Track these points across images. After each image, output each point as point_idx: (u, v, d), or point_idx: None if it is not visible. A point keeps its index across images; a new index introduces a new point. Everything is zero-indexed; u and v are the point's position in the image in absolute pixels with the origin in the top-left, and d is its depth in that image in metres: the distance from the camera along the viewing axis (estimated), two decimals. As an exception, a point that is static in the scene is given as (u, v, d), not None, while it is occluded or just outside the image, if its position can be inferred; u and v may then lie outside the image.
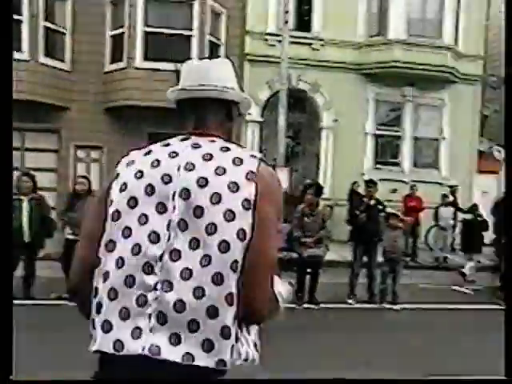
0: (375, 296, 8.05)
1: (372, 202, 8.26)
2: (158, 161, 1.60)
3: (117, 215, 1.56)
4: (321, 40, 14.90)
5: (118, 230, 1.54)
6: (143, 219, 1.53)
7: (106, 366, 1.50)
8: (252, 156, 1.64)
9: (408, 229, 10.54)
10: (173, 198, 1.53)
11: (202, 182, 1.53)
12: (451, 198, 12.82)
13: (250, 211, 1.52)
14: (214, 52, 14.00)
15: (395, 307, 7.77)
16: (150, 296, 1.47)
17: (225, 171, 1.56)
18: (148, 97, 12.62)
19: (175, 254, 1.49)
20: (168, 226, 1.51)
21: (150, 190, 1.56)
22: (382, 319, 7.44)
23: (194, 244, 1.49)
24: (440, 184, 15.27)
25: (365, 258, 8.23)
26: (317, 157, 15.28)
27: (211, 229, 1.49)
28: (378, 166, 15.44)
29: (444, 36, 14.98)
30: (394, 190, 14.11)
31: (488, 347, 5.76)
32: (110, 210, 1.57)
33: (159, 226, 1.52)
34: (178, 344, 1.44)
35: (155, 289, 1.47)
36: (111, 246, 1.54)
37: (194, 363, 1.43)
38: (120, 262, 1.51)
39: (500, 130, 17.88)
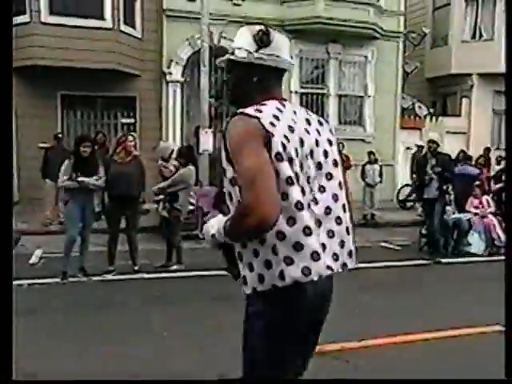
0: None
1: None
2: (294, 121, 2.02)
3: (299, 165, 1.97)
4: (242, -6, 14.32)
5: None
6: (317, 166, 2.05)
7: (302, 291, 1.92)
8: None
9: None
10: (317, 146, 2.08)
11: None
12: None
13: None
14: (128, 7, 13.10)
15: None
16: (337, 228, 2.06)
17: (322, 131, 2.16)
18: (57, 56, 11.68)
19: (335, 195, 2.09)
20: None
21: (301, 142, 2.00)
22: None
23: (329, 185, 2.09)
24: (364, 141, 15.37)
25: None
26: (242, 117, 14.87)
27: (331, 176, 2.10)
28: (304, 124, 15.24)
29: (366, -9, 14.80)
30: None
31: (416, 302, 5.85)
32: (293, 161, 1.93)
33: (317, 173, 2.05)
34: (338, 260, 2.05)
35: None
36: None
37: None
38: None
39: (421, 86, 18.23)
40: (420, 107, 16.62)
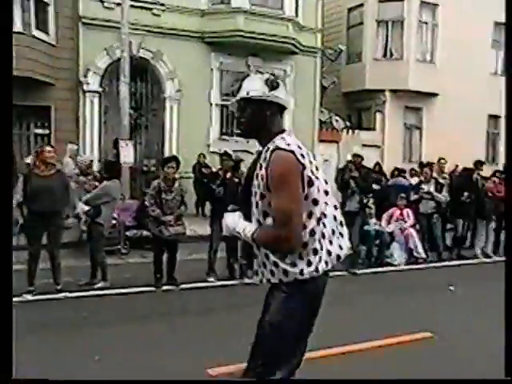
0: (235, 271, 7.83)
1: (228, 175, 7.96)
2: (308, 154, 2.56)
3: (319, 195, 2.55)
4: (162, 5, 14.15)
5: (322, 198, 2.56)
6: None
7: (322, 279, 2.61)
8: None
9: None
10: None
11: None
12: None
13: None
14: (40, 12, 12.53)
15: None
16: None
17: None
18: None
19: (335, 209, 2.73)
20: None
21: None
22: (244, 295, 7.23)
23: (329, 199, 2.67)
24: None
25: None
26: (161, 128, 14.65)
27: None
28: (224, 136, 15.24)
29: (285, 7, 15.06)
30: (241, 161, 14.01)
31: (339, 314, 5.82)
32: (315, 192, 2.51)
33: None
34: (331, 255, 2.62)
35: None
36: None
37: None
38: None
39: (338, 100, 18.77)
40: (337, 120, 17.11)
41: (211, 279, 7.62)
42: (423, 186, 10.04)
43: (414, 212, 9.88)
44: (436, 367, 4.66)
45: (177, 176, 7.34)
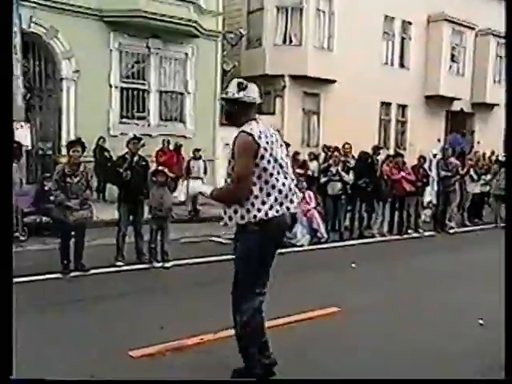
0: (144, 255, 7.73)
1: (136, 159, 7.82)
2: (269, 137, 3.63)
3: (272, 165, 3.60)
4: (57, -22, 13.41)
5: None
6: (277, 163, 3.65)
7: (277, 223, 3.62)
8: None
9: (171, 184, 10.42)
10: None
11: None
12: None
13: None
14: None
15: (166, 265, 7.58)
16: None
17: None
18: None
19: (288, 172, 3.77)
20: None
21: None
22: (154, 279, 7.18)
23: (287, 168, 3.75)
24: (185, 137, 15.48)
25: (131, 217, 7.81)
26: (58, 110, 13.98)
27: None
28: (124, 119, 14.87)
29: (186, -11, 14.88)
30: (142, 145, 13.74)
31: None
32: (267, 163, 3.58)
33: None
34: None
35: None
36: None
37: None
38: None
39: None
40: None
41: (119, 263, 7.48)
42: (332, 168, 10.45)
43: (322, 194, 10.27)
44: (345, 338, 4.93)
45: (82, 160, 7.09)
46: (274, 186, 3.59)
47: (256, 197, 3.54)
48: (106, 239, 8.61)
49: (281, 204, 3.60)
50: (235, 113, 3.71)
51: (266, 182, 3.57)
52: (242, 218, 3.58)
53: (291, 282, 6.84)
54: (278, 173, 3.62)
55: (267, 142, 3.54)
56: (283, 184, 3.64)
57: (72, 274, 6.82)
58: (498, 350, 3.92)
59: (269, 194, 3.56)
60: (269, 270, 3.74)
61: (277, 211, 3.57)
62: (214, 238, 10.18)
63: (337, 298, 6.09)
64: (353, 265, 7.98)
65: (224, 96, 3.78)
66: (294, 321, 5.29)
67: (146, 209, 7.88)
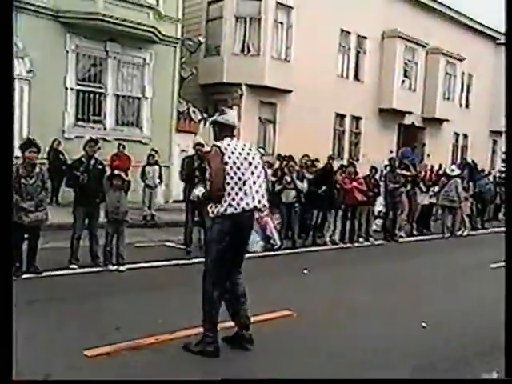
0: (98, 258, 7.72)
1: (92, 162, 7.82)
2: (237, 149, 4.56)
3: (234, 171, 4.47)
4: (13, -22, 13.20)
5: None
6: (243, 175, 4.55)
7: (233, 219, 4.48)
8: None
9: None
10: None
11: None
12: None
13: None
14: None
15: (121, 268, 7.58)
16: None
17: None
18: None
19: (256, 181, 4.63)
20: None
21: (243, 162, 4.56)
22: (109, 281, 7.18)
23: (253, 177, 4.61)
24: (141, 142, 15.46)
25: (86, 220, 7.78)
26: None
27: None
28: (80, 122, 14.71)
29: (146, -6, 14.91)
30: (98, 148, 13.64)
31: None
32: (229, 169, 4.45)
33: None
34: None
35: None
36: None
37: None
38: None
39: (196, 91, 18.98)
40: (194, 112, 17.30)
41: (73, 266, 7.44)
42: (286, 177, 10.66)
43: (276, 202, 10.45)
44: (296, 339, 5.10)
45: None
46: (232, 188, 4.43)
47: (222, 196, 4.42)
48: (59, 242, 8.53)
49: (237, 204, 4.43)
50: (215, 131, 4.69)
51: (228, 184, 4.41)
52: (212, 212, 4.52)
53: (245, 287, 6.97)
54: (239, 178, 4.45)
55: (232, 153, 4.42)
56: (244, 183, 4.47)
57: (24, 275, 6.74)
58: (437, 351, 4.14)
59: (230, 195, 4.41)
60: (231, 258, 4.55)
61: (235, 208, 4.43)
62: (168, 243, 10.23)
63: (288, 302, 6.26)
64: (305, 271, 8.19)
65: (209, 119, 5.02)
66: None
67: (102, 212, 7.88)
